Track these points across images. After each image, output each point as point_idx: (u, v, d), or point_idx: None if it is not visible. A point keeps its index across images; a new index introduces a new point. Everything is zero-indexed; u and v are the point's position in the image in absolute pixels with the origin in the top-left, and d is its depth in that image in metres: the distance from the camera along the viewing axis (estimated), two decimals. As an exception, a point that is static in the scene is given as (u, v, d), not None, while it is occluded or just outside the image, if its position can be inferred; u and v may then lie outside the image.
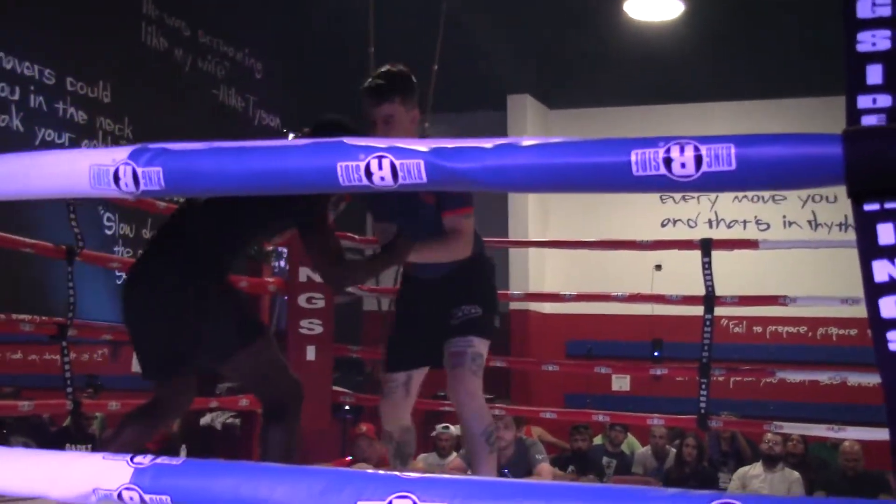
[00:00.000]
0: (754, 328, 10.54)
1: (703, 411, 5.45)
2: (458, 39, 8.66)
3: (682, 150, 1.27)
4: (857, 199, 1.23)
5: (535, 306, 10.97)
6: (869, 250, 1.24)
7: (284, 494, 1.39)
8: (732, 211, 10.74)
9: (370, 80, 3.65)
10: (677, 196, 11.14)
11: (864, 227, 1.24)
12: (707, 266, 5.54)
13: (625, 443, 8.77)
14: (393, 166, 1.37)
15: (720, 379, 9.94)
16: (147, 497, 1.45)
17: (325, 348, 5.87)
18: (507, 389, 9.62)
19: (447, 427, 7.71)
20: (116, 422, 9.57)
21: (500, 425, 6.44)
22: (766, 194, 10.70)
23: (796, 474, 7.57)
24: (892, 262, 1.24)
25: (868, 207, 1.23)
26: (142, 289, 3.21)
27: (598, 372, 6.88)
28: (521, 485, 1.35)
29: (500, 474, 6.50)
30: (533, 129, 11.42)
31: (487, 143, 1.35)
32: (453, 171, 1.34)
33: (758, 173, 1.25)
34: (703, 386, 5.43)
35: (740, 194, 10.90)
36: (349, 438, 7.54)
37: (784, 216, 10.60)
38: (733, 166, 1.27)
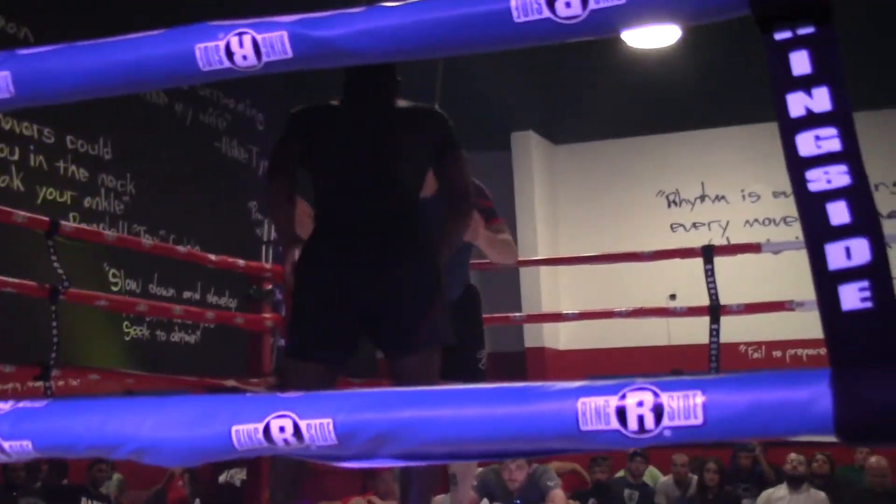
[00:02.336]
0: (773, 352, 10.29)
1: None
2: (459, 78, 8.59)
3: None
4: (765, 26, 1.08)
5: (550, 342, 10.78)
6: (782, 82, 1.08)
7: (154, 426, 1.24)
8: (744, 235, 10.54)
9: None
10: (688, 223, 11.00)
11: (776, 58, 1.08)
12: (710, 273, 5.39)
13: (646, 473, 8.54)
14: (255, 42, 1.24)
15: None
16: (6, 444, 1.29)
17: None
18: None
19: (463, 467, 7.57)
20: (133, 484, 9.39)
21: (513, 466, 6.31)
22: (777, 215, 10.53)
23: (822, 494, 7.33)
24: (809, 94, 1.08)
25: (779, 36, 1.08)
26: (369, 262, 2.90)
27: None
28: (406, 393, 1.21)
29: (512, 505, 6.33)
30: (539, 166, 11.32)
31: (357, 9, 1.21)
32: (320, 41, 1.21)
33: (652, 3, 1.10)
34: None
35: (751, 218, 10.74)
36: (371, 473, 7.39)
37: (798, 237, 10.34)
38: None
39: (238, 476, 8.58)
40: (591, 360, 10.62)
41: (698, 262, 5.50)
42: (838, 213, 1.08)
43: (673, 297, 9.86)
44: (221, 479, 8.66)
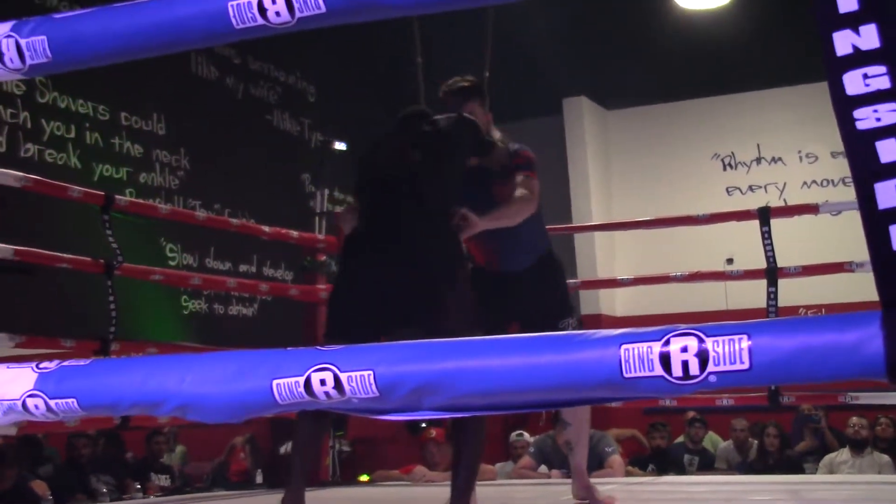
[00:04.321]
0: (835, 315, 10.13)
1: (772, 388, 5.18)
2: (509, 45, 8.53)
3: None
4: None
5: (606, 309, 10.72)
6: (828, 20, 1.05)
7: (195, 382, 1.23)
8: (802, 197, 10.38)
9: (452, 82, 3.95)
10: (744, 186, 10.86)
11: (822, -5, 1.05)
12: (767, 235, 5.32)
13: (706, 439, 8.47)
14: (287, -4, 1.22)
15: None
16: (52, 402, 1.30)
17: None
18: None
19: (521, 434, 7.62)
20: (196, 456, 9.48)
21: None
22: (836, 176, 10.36)
23: (886, 457, 7.22)
24: (856, 32, 1.04)
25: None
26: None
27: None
28: (447, 344, 1.19)
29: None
30: (592, 131, 11.23)
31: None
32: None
33: None
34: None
35: (808, 179, 10.59)
36: (419, 443, 7.42)
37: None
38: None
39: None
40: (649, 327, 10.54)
41: (755, 225, 5.42)
42: (888, 150, 1.04)
43: (730, 261, 9.76)
44: (282, 450, 8.73)
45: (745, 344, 1.03)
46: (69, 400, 1.29)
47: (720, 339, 1.05)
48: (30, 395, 1.31)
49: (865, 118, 1.05)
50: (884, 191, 1.03)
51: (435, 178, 3.37)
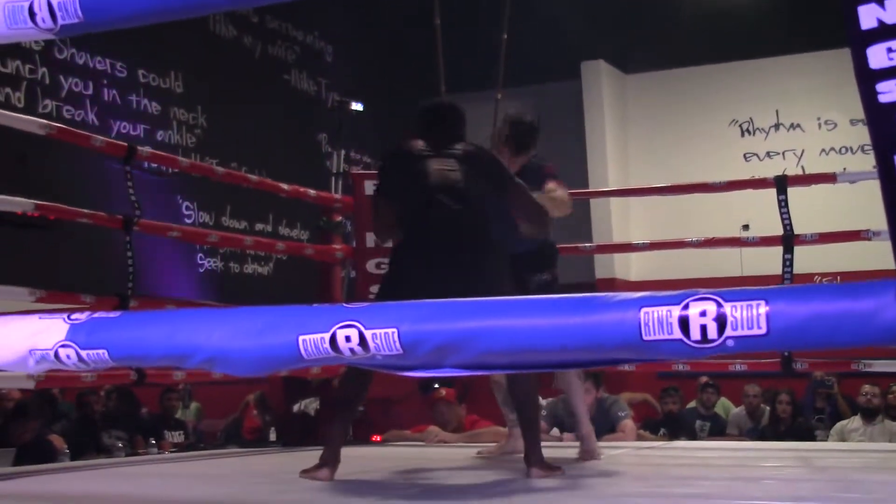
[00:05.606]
0: (849, 283, 10.12)
1: (785, 354, 5.19)
2: (527, 8, 8.49)
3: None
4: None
5: (621, 273, 10.73)
6: (853, -7, 1.06)
7: (223, 336, 1.26)
8: (820, 164, 10.35)
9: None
10: (761, 153, 10.83)
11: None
12: (783, 203, 5.31)
13: (718, 404, 8.49)
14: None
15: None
16: (84, 353, 1.33)
17: (394, 313, 5.77)
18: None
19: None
20: (211, 412, 9.52)
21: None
22: (854, 143, 10.31)
23: (897, 425, 7.25)
24: (881, 5, 1.05)
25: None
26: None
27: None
28: (470, 304, 1.21)
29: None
30: (610, 95, 11.19)
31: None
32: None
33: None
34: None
35: (827, 146, 10.54)
36: (430, 403, 7.44)
37: (875, 166, 10.12)
38: None
39: (312, 406, 8.70)
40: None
41: (772, 192, 5.41)
42: (909, 122, 1.06)
43: (746, 227, 9.74)
44: (296, 408, 8.77)
45: (763, 309, 1.06)
46: (100, 351, 1.32)
47: (738, 304, 1.07)
48: (62, 346, 1.34)
49: (888, 91, 1.07)
50: (904, 162, 1.05)
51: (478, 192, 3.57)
